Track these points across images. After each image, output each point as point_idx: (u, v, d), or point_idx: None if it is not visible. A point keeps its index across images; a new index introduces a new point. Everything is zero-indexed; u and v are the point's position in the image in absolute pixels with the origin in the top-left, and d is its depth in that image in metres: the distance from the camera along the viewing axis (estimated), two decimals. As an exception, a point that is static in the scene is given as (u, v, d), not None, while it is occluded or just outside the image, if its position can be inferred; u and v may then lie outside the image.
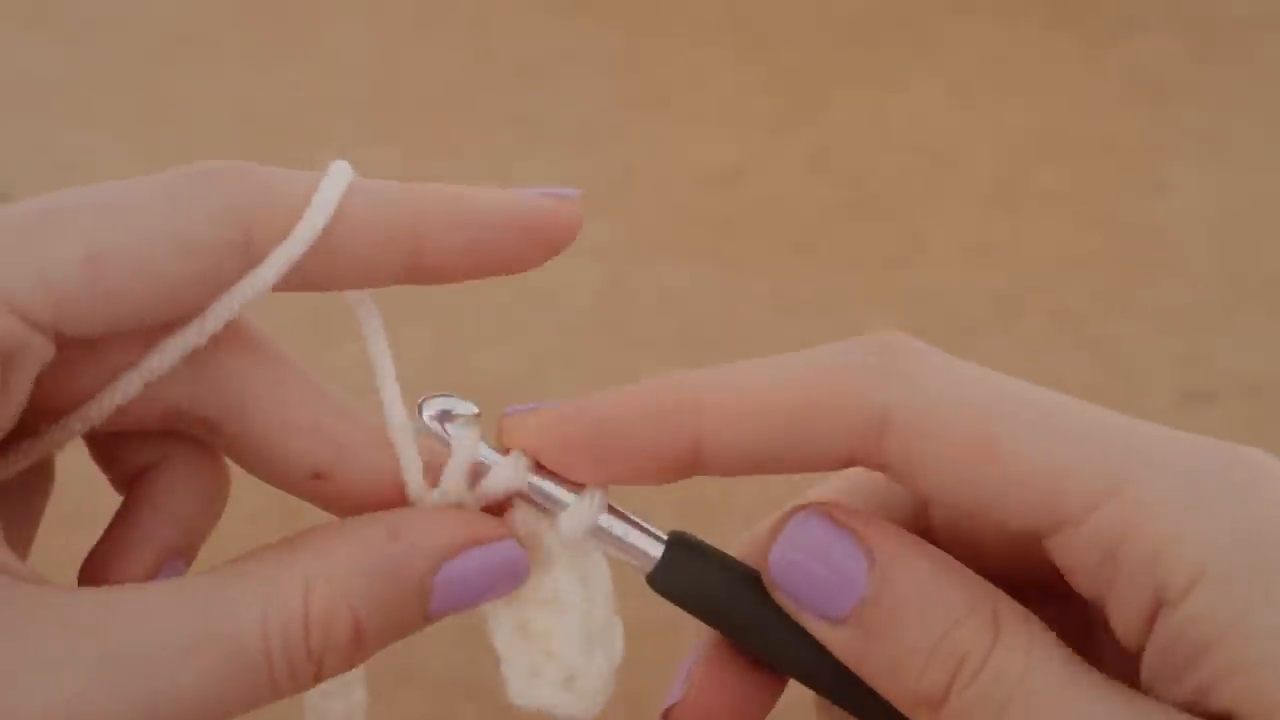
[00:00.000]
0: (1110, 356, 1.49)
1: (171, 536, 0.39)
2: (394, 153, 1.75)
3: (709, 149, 1.83)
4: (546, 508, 0.39)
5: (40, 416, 0.38)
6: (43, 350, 0.35)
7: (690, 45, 2.06)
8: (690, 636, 0.41)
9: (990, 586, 0.36)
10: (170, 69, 1.98)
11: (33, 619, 0.34)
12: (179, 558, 0.40)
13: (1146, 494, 0.34)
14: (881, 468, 0.36)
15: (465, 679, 1.12)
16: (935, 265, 1.64)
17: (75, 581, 0.39)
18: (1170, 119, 1.89)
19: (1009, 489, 0.35)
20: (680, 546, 0.39)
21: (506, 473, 0.39)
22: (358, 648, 0.37)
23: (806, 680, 0.39)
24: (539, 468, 0.39)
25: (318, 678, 0.36)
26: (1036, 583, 0.39)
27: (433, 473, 0.39)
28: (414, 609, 0.37)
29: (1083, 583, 0.36)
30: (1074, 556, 0.35)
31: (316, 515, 0.39)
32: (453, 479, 0.39)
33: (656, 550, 0.39)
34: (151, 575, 0.39)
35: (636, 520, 0.39)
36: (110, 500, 0.41)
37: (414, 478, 0.39)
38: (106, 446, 0.40)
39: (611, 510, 0.39)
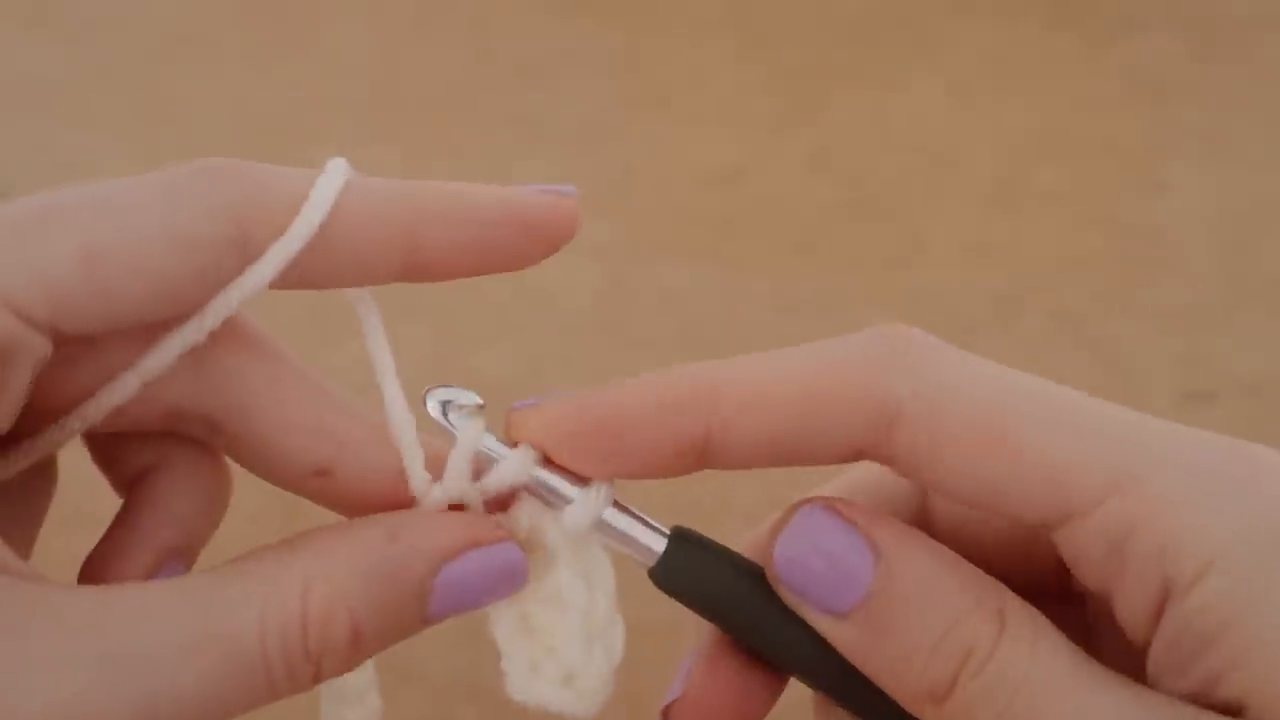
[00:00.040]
0: (1110, 356, 1.49)
1: (171, 538, 0.39)
2: (394, 153, 1.75)
3: (709, 149, 1.83)
4: (551, 502, 0.39)
5: (39, 417, 0.37)
6: (40, 348, 0.35)
7: (690, 45, 2.05)
8: (691, 637, 0.41)
9: (994, 581, 0.36)
10: (170, 69, 1.98)
11: (32, 618, 0.34)
12: (179, 559, 0.40)
13: (1155, 487, 0.34)
14: (890, 460, 0.37)
15: (466, 680, 1.12)
16: (935, 265, 1.63)
17: (75, 583, 0.39)
18: (1170, 119, 1.89)
19: (1018, 480, 0.35)
20: (683, 541, 0.39)
21: (513, 466, 0.38)
22: (356, 649, 0.37)
23: (808, 677, 0.39)
24: (546, 461, 0.39)
25: (316, 679, 0.36)
26: (1036, 585, 0.39)
27: (436, 467, 0.39)
28: (412, 611, 0.37)
29: (1090, 575, 0.36)
30: (1082, 548, 0.35)
31: (317, 515, 0.39)
32: (457, 470, 0.39)
33: (659, 545, 0.39)
34: (151, 576, 0.39)
35: (640, 515, 0.39)
36: (111, 502, 0.41)
37: (416, 470, 0.39)
38: (107, 448, 0.40)
39: (616, 505, 0.39)
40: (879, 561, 0.36)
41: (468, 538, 0.38)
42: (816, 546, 0.37)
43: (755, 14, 2.13)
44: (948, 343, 0.37)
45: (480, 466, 0.39)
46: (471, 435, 0.39)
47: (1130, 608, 0.35)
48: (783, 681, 0.40)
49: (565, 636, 0.39)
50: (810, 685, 0.39)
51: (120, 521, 0.40)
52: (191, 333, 0.37)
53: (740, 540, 0.40)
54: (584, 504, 0.38)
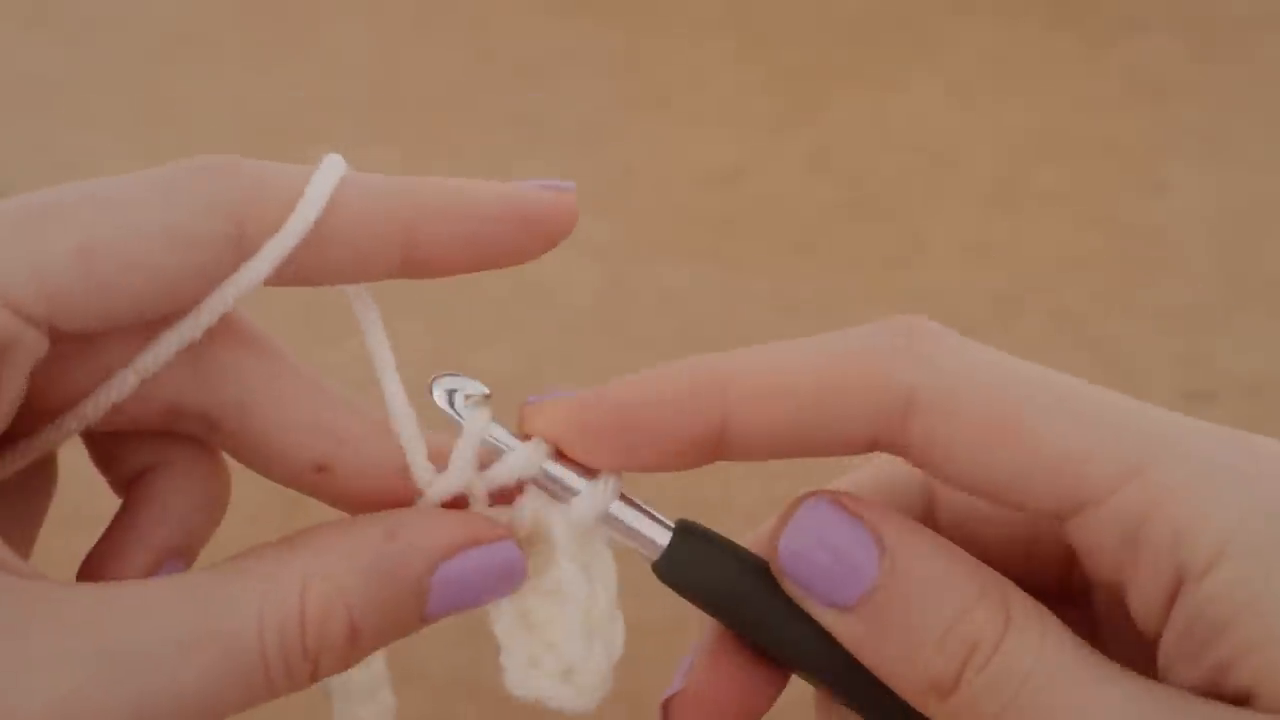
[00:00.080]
0: (1110, 356, 1.49)
1: (169, 537, 0.39)
2: (394, 153, 1.75)
3: (709, 149, 1.83)
4: (558, 494, 0.39)
5: (37, 416, 0.37)
6: (36, 344, 0.35)
7: (690, 45, 2.05)
8: (692, 635, 0.41)
9: (998, 575, 0.36)
10: (170, 69, 1.98)
11: (31, 615, 0.34)
12: (178, 559, 0.40)
13: (1169, 475, 0.35)
14: (904, 449, 0.37)
15: (466, 679, 1.12)
16: (935, 265, 1.63)
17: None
18: (1170, 119, 1.89)
19: (1033, 469, 0.35)
20: (688, 534, 0.39)
21: (522, 458, 0.38)
22: (353, 647, 0.37)
23: (811, 673, 0.39)
24: (557, 455, 0.38)
25: (314, 677, 0.36)
26: (1038, 586, 0.39)
27: (437, 461, 0.39)
28: (411, 609, 0.37)
29: (1103, 565, 0.36)
30: (1095, 537, 0.35)
31: (318, 514, 0.39)
32: (463, 459, 0.39)
33: (664, 538, 0.39)
34: (150, 576, 0.39)
35: (646, 508, 0.39)
36: (111, 502, 0.41)
37: (419, 461, 0.39)
38: (105, 447, 0.40)
39: (622, 498, 0.39)
40: (884, 555, 0.36)
41: (466, 535, 0.38)
42: (821, 540, 0.37)
43: (755, 14, 2.13)
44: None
45: (485, 458, 0.39)
46: (479, 424, 0.39)
47: (1143, 596, 0.35)
48: (784, 678, 0.40)
49: (565, 631, 0.39)
50: (812, 681, 0.39)
51: (119, 521, 0.40)
52: (188, 329, 0.37)
53: (745, 538, 0.40)
54: (591, 496, 0.38)
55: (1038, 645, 0.35)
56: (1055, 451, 0.35)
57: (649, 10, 2.13)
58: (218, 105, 1.90)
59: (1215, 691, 0.34)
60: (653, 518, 0.39)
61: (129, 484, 0.40)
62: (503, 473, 0.39)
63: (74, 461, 0.40)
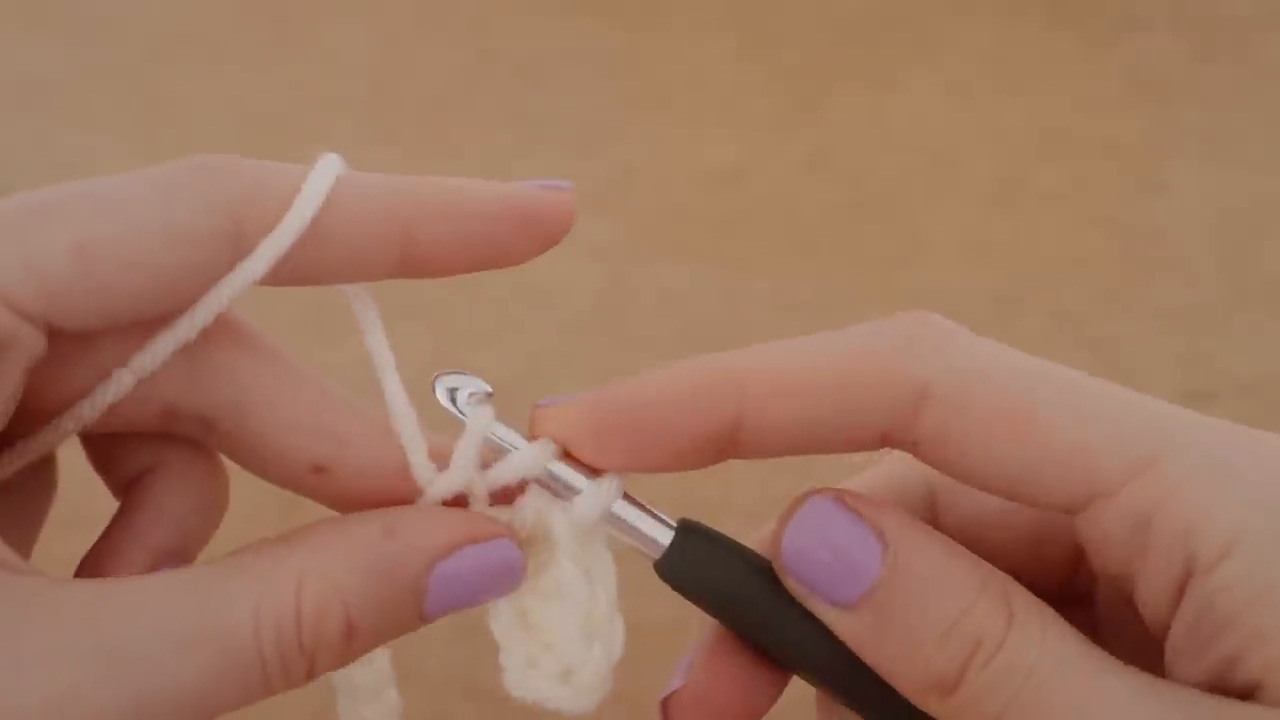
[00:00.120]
0: (1110, 356, 1.49)
1: (166, 539, 0.39)
2: (394, 153, 1.75)
3: (709, 149, 1.83)
4: (560, 493, 0.39)
5: (35, 417, 0.37)
6: (33, 342, 0.35)
7: (690, 45, 2.05)
8: (693, 636, 0.41)
9: (1000, 572, 0.37)
10: (170, 69, 1.98)
11: (28, 612, 0.34)
12: (174, 561, 0.40)
13: (1179, 469, 0.35)
14: (915, 445, 0.37)
15: (463, 677, 1.12)
16: (935, 265, 1.63)
17: (72, 582, 0.38)
18: (1170, 119, 1.89)
19: (1044, 463, 0.35)
20: (690, 533, 0.39)
21: (528, 457, 0.38)
22: (350, 645, 0.37)
23: (812, 674, 0.39)
24: (564, 455, 0.38)
25: (310, 675, 0.36)
26: (1041, 589, 0.39)
27: (436, 462, 0.39)
28: (409, 607, 0.37)
29: (1112, 558, 0.36)
30: (1105, 530, 0.36)
31: (315, 515, 0.39)
32: (465, 457, 0.39)
33: (666, 537, 0.39)
34: (146, 576, 0.39)
35: (648, 507, 0.39)
36: (111, 504, 0.41)
37: (420, 459, 0.39)
38: (103, 450, 0.40)
39: (625, 497, 0.39)
40: (886, 552, 0.36)
41: (465, 534, 0.38)
42: (824, 537, 0.37)
43: (755, 14, 2.13)
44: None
45: (487, 456, 0.39)
46: (481, 422, 0.39)
47: (1152, 589, 0.35)
48: (785, 678, 0.40)
49: (565, 632, 0.39)
50: (813, 682, 0.39)
51: (116, 524, 0.40)
52: (185, 328, 0.37)
53: (747, 538, 0.40)
54: (594, 495, 0.38)
55: (1040, 641, 0.35)
56: (1067, 445, 0.35)
57: (649, 10, 2.12)
58: (218, 105, 1.90)
59: (1222, 685, 0.34)
60: (655, 517, 0.39)
61: (126, 487, 0.40)
62: (506, 471, 0.39)
63: (74, 463, 0.40)
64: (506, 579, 0.39)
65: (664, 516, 0.39)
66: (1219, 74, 1.97)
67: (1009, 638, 0.35)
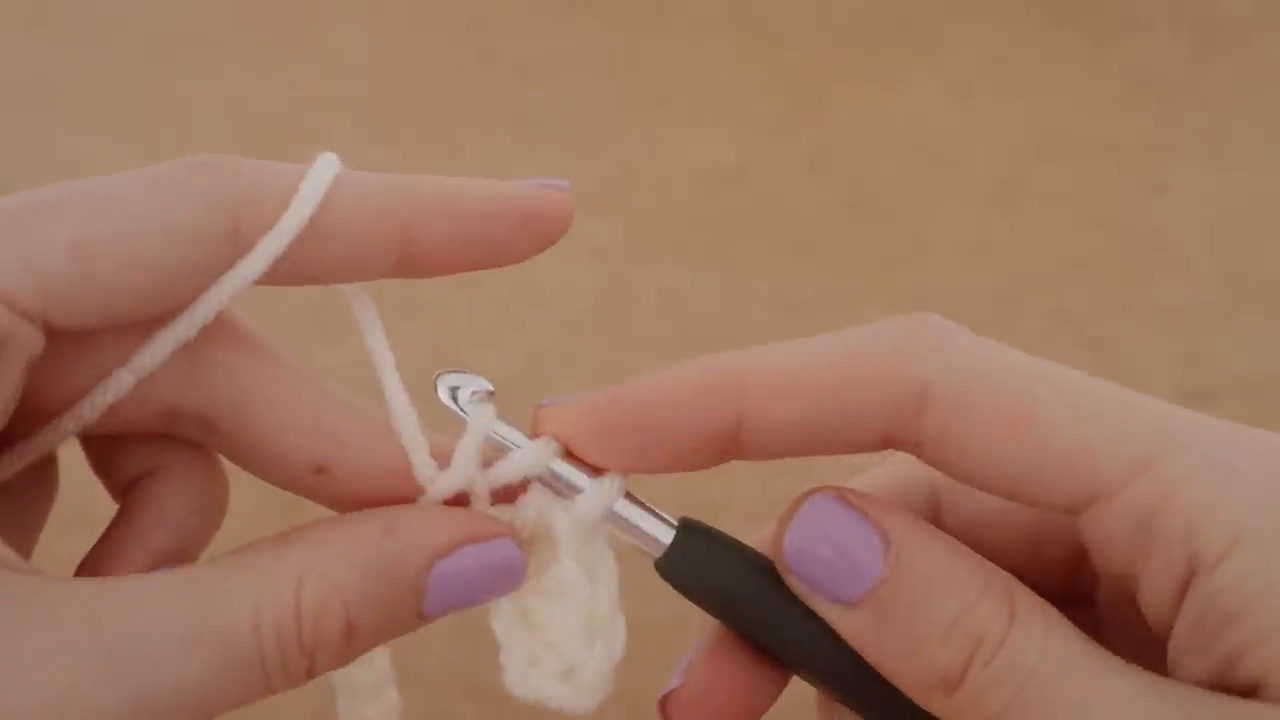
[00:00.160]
0: (1110, 356, 1.49)
1: (166, 541, 0.39)
2: (394, 153, 1.75)
3: (709, 149, 1.83)
4: (562, 492, 0.39)
5: (34, 418, 0.37)
6: (31, 340, 0.35)
7: (690, 45, 2.05)
8: (694, 635, 0.40)
9: (1003, 571, 0.37)
10: (170, 69, 1.98)
11: (28, 611, 0.34)
12: (175, 564, 0.40)
13: (1181, 468, 0.35)
14: (917, 445, 0.37)
15: (464, 677, 1.12)
16: (935, 265, 1.63)
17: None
18: (1170, 119, 1.89)
19: (1045, 463, 0.36)
20: (691, 532, 0.39)
21: (530, 455, 0.38)
22: (350, 643, 0.37)
23: (813, 673, 0.39)
24: (566, 454, 0.38)
25: (310, 673, 0.36)
26: (1042, 589, 0.39)
27: (438, 462, 0.39)
28: (408, 606, 0.37)
29: (1114, 558, 0.36)
30: (1107, 530, 0.36)
31: (314, 515, 0.39)
32: (466, 456, 0.39)
33: (667, 536, 0.39)
34: (145, 578, 0.39)
35: (649, 506, 0.39)
36: (112, 505, 0.41)
37: (421, 458, 0.39)
38: (103, 452, 0.40)
39: (627, 495, 0.39)
40: (889, 550, 0.36)
41: (465, 533, 0.38)
42: (826, 535, 0.37)
43: (755, 14, 2.13)
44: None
45: (489, 455, 0.39)
46: (483, 420, 0.39)
47: (1154, 589, 0.35)
48: (785, 678, 0.40)
49: (566, 630, 0.39)
50: (814, 682, 0.39)
51: (115, 526, 0.40)
52: (184, 327, 0.37)
53: (748, 538, 0.40)
54: (596, 493, 0.38)
55: (1043, 639, 0.35)
56: (1068, 444, 0.35)
57: (649, 10, 2.12)
58: (217, 105, 1.90)
59: (1224, 683, 0.34)
60: (656, 515, 0.39)
61: (126, 489, 0.40)
62: (508, 470, 0.39)
63: (74, 464, 0.40)
64: (507, 578, 0.39)
65: (665, 515, 0.39)
66: (1219, 74, 1.97)
67: (1011, 636, 0.35)
